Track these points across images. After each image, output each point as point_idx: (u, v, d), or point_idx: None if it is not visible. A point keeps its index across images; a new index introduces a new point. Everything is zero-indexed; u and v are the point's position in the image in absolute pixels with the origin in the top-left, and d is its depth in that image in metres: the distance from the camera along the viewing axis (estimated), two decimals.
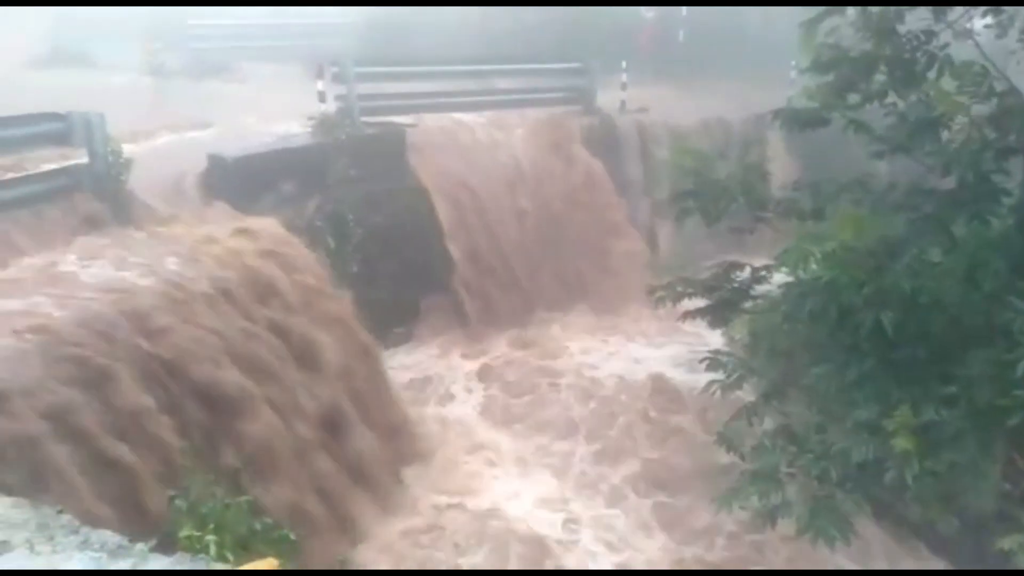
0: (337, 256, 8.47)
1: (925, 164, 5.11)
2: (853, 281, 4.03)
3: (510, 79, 11.91)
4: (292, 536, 4.31)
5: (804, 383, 4.85)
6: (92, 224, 6.33)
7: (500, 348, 9.64)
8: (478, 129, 10.74)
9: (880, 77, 5.26)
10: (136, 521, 4.11)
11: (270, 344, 5.91)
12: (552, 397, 8.64)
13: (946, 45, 5.09)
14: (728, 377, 5.34)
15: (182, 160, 8.13)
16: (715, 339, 7.89)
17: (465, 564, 6.08)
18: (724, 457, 5.68)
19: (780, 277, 5.13)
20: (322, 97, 9.50)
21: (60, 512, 1.38)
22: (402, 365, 8.98)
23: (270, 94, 12.72)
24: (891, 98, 5.30)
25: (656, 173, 11.58)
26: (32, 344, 4.30)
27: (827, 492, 4.51)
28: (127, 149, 7.13)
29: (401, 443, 7.36)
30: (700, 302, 5.96)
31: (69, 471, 3.96)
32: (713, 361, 5.54)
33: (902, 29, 5.14)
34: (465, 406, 8.55)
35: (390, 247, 9.26)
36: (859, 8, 5.13)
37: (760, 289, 5.65)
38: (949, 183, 4.95)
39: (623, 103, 12.58)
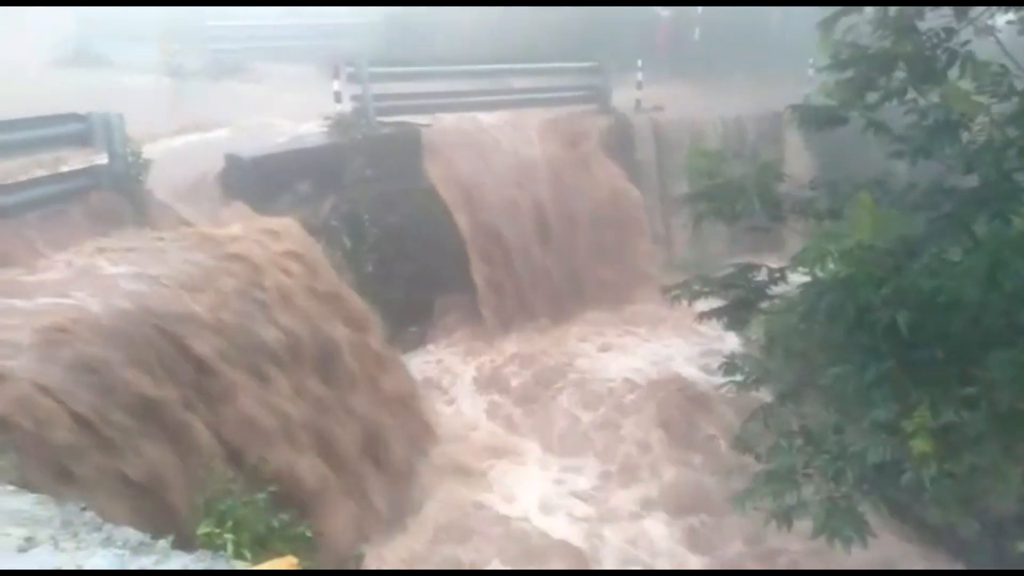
0: (353, 256, 8.52)
1: (945, 164, 5.05)
2: (871, 279, 3.99)
3: (525, 78, 11.92)
4: (309, 533, 4.35)
5: (821, 384, 4.81)
6: (112, 224, 6.40)
7: (515, 348, 9.65)
8: (493, 129, 10.76)
9: (899, 75, 5.20)
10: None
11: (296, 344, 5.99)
12: (567, 398, 8.62)
13: (967, 42, 5.03)
14: (745, 379, 5.31)
15: (200, 160, 8.21)
16: (732, 338, 7.86)
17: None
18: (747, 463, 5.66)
19: (797, 278, 5.10)
20: (338, 97, 9.56)
21: (84, 509, 1.40)
22: (416, 365, 9.01)
23: (287, 94, 12.81)
24: (911, 95, 5.24)
25: (671, 172, 11.54)
26: (57, 343, 4.35)
27: (843, 493, 4.47)
28: (146, 149, 7.20)
29: (415, 441, 7.39)
30: (716, 302, 5.93)
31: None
32: (730, 364, 5.51)
33: (922, 26, 5.08)
34: (479, 407, 8.56)
35: (405, 247, 9.30)
36: (877, 6, 5.08)
37: (776, 290, 5.61)
38: (970, 181, 4.89)
39: (638, 102, 12.54)
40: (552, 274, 10.64)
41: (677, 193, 11.09)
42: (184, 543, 1.41)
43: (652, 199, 11.96)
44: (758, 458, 5.32)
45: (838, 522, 4.34)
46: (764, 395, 5.62)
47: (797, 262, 4.54)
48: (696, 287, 5.74)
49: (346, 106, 9.53)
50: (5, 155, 6.09)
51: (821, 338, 4.61)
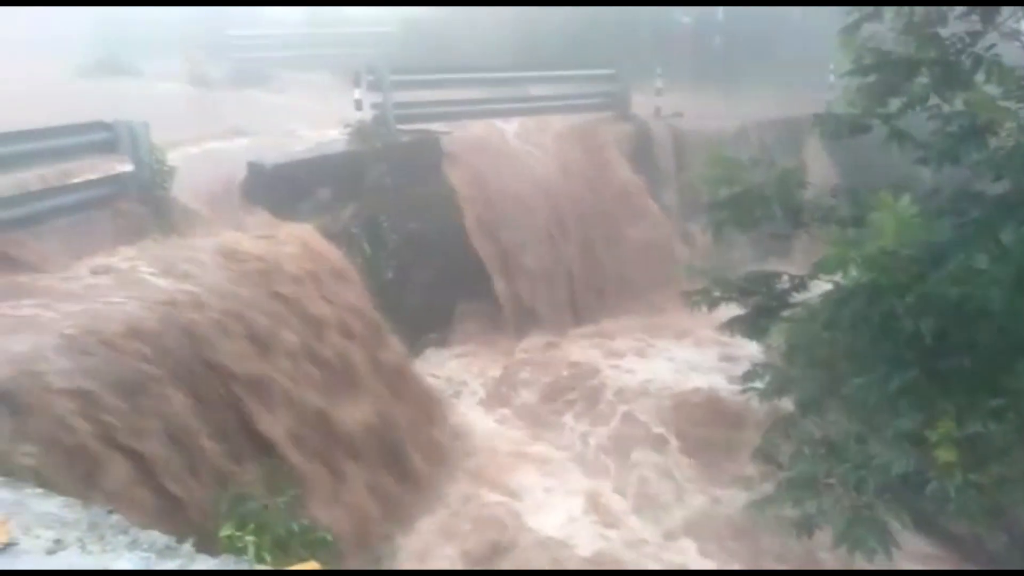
0: (372, 262, 8.57)
1: (972, 170, 4.98)
2: (895, 285, 3.94)
3: (544, 86, 11.95)
4: (329, 538, 4.37)
5: (844, 393, 4.75)
6: (137, 231, 6.50)
7: (535, 355, 9.64)
8: (512, 136, 10.79)
9: (922, 80, 5.14)
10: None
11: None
12: (588, 407, 8.58)
13: (992, 46, 4.96)
14: (766, 388, 5.26)
15: (223, 168, 8.32)
16: (753, 346, 7.78)
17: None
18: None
19: (818, 286, 5.05)
20: (359, 105, 9.64)
21: (110, 512, 1.42)
22: (435, 370, 9.02)
23: (308, 103, 12.94)
24: (933, 100, 5.18)
25: (691, 179, 11.49)
26: (84, 349, 4.42)
27: (865, 502, 4.41)
28: (170, 157, 7.31)
29: (434, 448, 7.41)
30: (736, 309, 5.88)
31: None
32: (751, 372, 5.46)
33: (945, 32, 5.02)
34: (497, 413, 8.55)
35: (425, 253, 9.34)
36: (899, 11, 5.03)
37: (798, 297, 5.55)
38: (997, 187, 4.82)
39: (658, 109, 12.52)
40: (571, 281, 10.63)
41: (696, 200, 11.09)
42: (204, 546, 1.42)
43: (671, 206, 11.92)
44: (780, 467, 5.27)
45: (860, 532, 4.28)
46: (786, 404, 5.56)
47: (819, 269, 4.49)
48: (716, 293, 5.70)
49: (366, 114, 9.61)
50: (35, 163, 6.21)
51: (844, 347, 4.56)
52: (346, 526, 5.38)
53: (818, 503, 4.60)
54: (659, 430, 8.05)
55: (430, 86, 10.59)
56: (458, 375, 9.16)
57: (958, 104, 5.04)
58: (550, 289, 10.39)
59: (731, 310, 5.85)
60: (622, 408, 8.49)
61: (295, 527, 4.24)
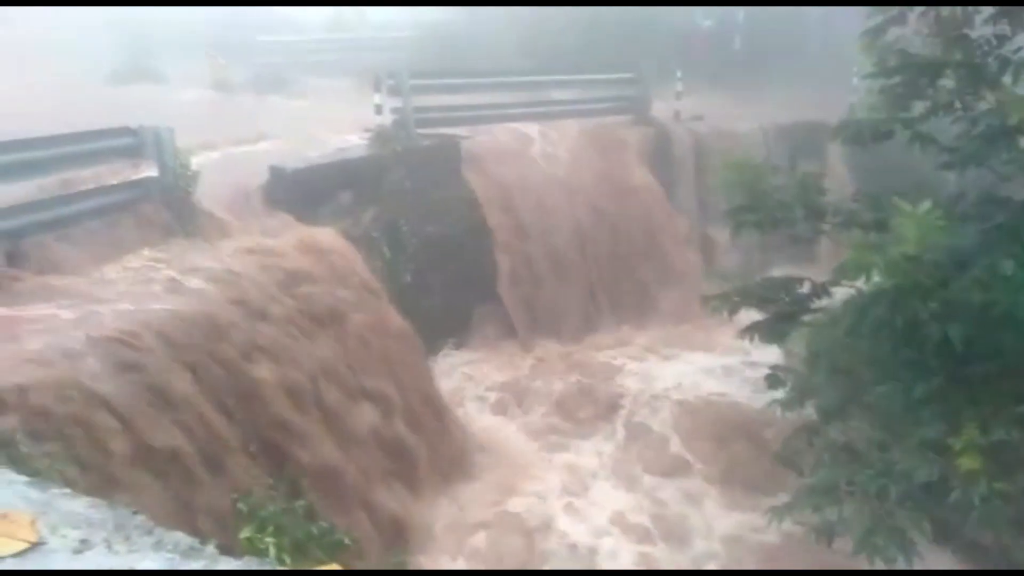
0: (392, 265, 8.62)
1: (999, 173, 4.92)
2: (918, 290, 3.90)
3: (563, 90, 11.95)
4: (348, 541, 4.39)
5: (866, 400, 4.71)
6: (162, 234, 6.59)
7: (552, 360, 9.63)
8: (532, 140, 10.80)
9: (947, 83, 5.08)
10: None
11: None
12: (605, 413, 8.55)
13: (1020, 48, 4.90)
14: (788, 396, 5.22)
15: (245, 172, 8.40)
16: (773, 352, 7.72)
17: None
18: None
19: (840, 291, 5.00)
20: (379, 110, 9.71)
21: (135, 513, 1.44)
22: (451, 374, 9.04)
23: (329, 107, 13.04)
24: (957, 104, 5.12)
25: (711, 183, 11.43)
26: (111, 352, 4.49)
27: (886, 510, 4.36)
28: (194, 161, 7.40)
29: (450, 454, 7.42)
30: (755, 314, 5.85)
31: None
32: (773, 377, 5.42)
33: (971, 34, 4.97)
34: (513, 420, 8.55)
35: (443, 257, 9.37)
36: (925, 12, 4.98)
37: (819, 303, 5.50)
38: (1023, 192, 4.75)
39: (678, 112, 12.47)
40: (589, 286, 10.61)
41: (716, 204, 11.03)
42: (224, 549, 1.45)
43: (691, 210, 11.86)
44: (800, 473, 5.23)
45: (880, 539, 4.23)
46: (808, 411, 5.51)
47: (840, 274, 4.46)
48: (736, 299, 5.67)
49: (387, 118, 9.67)
50: (62, 167, 6.32)
51: (867, 353, 4.52)
52: (359, 533, 5.39)
53: (839, 510, 4.56)
54: (676, 438, 8.00)
55: (450, 91, 10.64)
56: (474, 379, 9.17)
57: (984, 106, 4.99)
58: (568, 294, 10.38)
59: (751, 316, 5.82)
60: (639, 416, 8.45)
61: (314, 530, 4.28)
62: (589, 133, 11.30)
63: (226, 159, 9.22)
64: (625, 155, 11.26)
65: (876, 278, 4.04)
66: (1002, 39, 4.90)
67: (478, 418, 8.41)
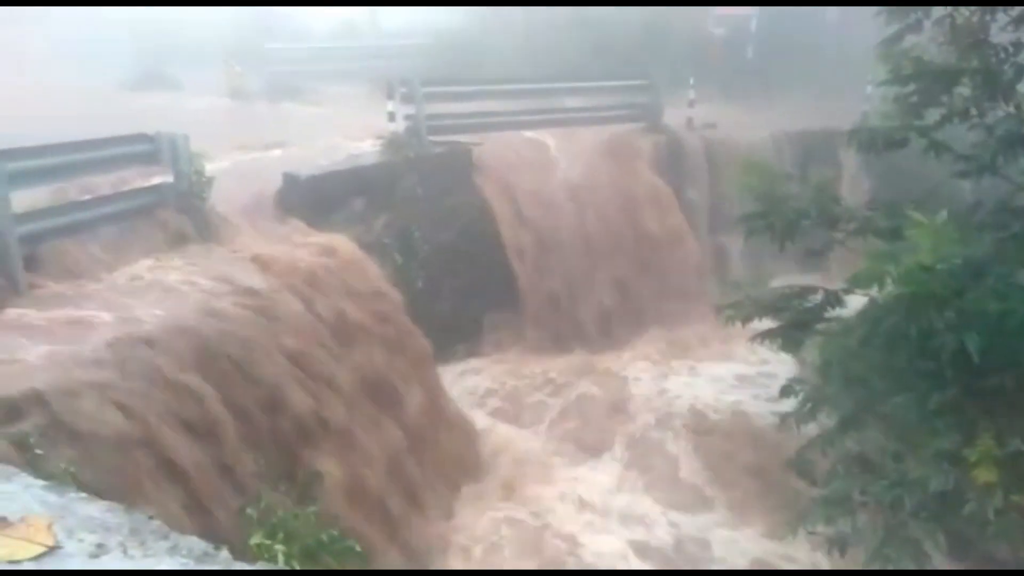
0: (403, 272, 8.64)
1: (1015, 183, 4.88)
2: (933, 299, 3.86)
3: (576, 97, 11.96)
4: (358, 548, 4.39)
5: (881, 411, 4.67)
6: (176, 240, 6.64)
7: (563, 367, 9.60)
8: (543, 147, 10.82)
9: (963, 91, 5.06)
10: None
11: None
12: (615, 422, 8.51)
13: None
14: (801, 406, 5.18)
15: (259, 178, 8.46)
16: (785, 360, 7.67)
17: None
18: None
19: (854, 300, 4.97)
20: (391, 117, 9.76)
21: (151, 518, 1.45)
22: (462, 381, 9.04)
23: (342, 115, 13.13)
24: (973, 112, 5.09)
25: (724, 191, 11.39)
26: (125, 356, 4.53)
27: (900, 521, 4.32)
28: (208, 168, 7.47)
29: (460, 460, 7.42)
30: (769, 323, 5.82)
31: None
32: (786, 388, 5.39)
33: (988, 41, 4.94)
34: (525, 425, 8.53)
35: (455, 264, 9.39)
36: (941, 20, 4.96)
37: (833, 312, 5.47)
38: None
39: (690, 120, 12.45)
40: (600, 293, 10.59)
41: (728, 212, 10.99)
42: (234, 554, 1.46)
43: (703, 218, 11.82)
44: (814, 483, 5.19)
45: (894, 551, 4.19)
46: (822, 421, 5.47)
47: (854, 283, 4.43)
48: (749, 308, 5.65)
49: (399, 126, 9.72)
50: (80, 173, 6.39)
51: (881, 363, 4.47)
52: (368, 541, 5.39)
53: (852, 521, 4.52)
54: (689, 449, 7.95)
55: (462, 98, 10.67)
56: (484, 386, 9.16)
57: (1000, 114, 4.96)
58: (579, 302, 10.36)
59: (764, 325, 5.79)
60: (652, 426, 8.40)
61: (324, 536, 4.28)
62: (601, 140, 11.30)
63: (240, 166, 9.30)
64: (637, 163, 11.25)
65: (889, 287, 4.01)
66: (1018, 46, 4.87)
67: (488, 425, 8.39)
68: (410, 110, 9.70)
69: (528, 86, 11.58)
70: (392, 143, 9.50)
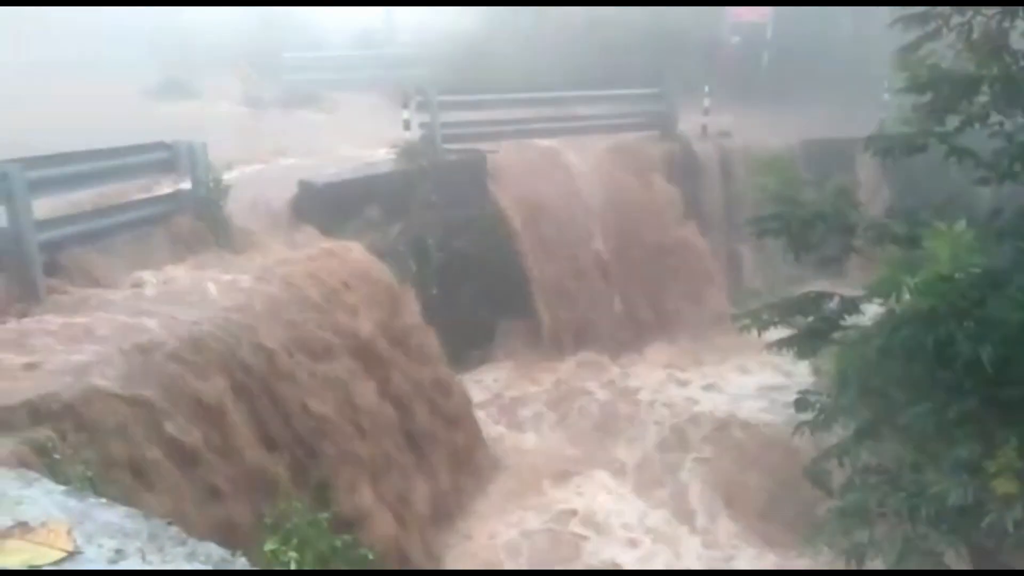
0: (418, 279, 8.67)
1: None
2: (953, 311, 3.82)
3: (590, 105, 11.97)
4: (371, 556, 4.40)
5: (899, 421, 4.61)
6: (193, 246, 6.71)
7: (576, 374, 9.59)
8: (558, 155, 10.83)
9: (983, 98, 5.01)
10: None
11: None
12: (627, 429, 8.48)
13: None
14: (816, 417, 5.13)
15: (274, 186, 8.53)
16: (800, 369, 7.61)
17: None
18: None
19: (871, 308, 4.92)
20: (407, 125, 9.81)
21: (169, 524, 1.47)
22: (476, 388, 9.04)
23: (358, 123, 13.20)
24: (994, 119, 5.04)
25: (738, 199, 11.35)
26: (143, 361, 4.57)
27: (919, 533, 4.26)
28: (225, 175, 7.53)
29: (473, 465, 7.42)
30: (785, 331, 5.78)
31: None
32: (802, 400, 5.35)
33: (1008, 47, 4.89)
34: (537, 433, 8.52)
35: (469, 271, 9.41)
36: (960, 28, 4.92)
37: (850, 320, 5.42)
38: None
39: (705, 128, 12.42)
40: (614, 301, 10.56)
41: (744, 219, 10.90)
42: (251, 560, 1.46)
43: (718, 226, 11.77)
44: (830, 494, 5.14)
45: (912, 562, 4.14)
46: (837, 432, 5.42)
47: (871, 293, 4.39)
48: (765, 316, 5.61)
49: (414, 134, 9.77)
50: (100, 181, 6.47)
51: (899, 373, 4.43)
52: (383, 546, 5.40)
53: (870, 533, 4.47)
54: (704, 459, 7.90)
55: (477, 107, 10.71)
56: (497, 393, 9.15)
57: (1020, 120, 4.91)
58: (594, 310, 10.34)
59: (780, 333, 5.75)
60: (666, 434, 8.36)
61: (338, 543, 4.28)
62: (615, 149, 11.29)
63: (257, 173, 9.38)
64: (651, 171, 11.23)
65: (907, 298, 3.97)
66: None
67: (501, 432, 8.39)
68: (425, 118, 9.75)
69: (542, 95, 11.60)
70: (407, 151, 9.55)
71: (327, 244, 7.33)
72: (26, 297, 5.23)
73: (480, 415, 8.33)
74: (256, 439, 4.94)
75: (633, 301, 10.72)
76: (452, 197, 9.47)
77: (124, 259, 6.19)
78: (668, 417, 8.67)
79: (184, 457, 4.41)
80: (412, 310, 7.41)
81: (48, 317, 4.97)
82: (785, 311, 5.58)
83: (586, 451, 8.16)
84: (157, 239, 6.65)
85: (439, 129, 9.75)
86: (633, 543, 6.75)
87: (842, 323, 5.43)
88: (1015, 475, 3.71)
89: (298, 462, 5.29)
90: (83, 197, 6.63)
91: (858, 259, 5.52)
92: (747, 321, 5.66)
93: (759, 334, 5.64)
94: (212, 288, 5.71)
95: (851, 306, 5.44)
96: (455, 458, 7.17)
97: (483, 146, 10.25)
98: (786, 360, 6.90)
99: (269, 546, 4.03)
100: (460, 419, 7.58)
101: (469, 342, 9.33)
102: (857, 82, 12.84)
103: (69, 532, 1.46)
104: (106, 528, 1.45)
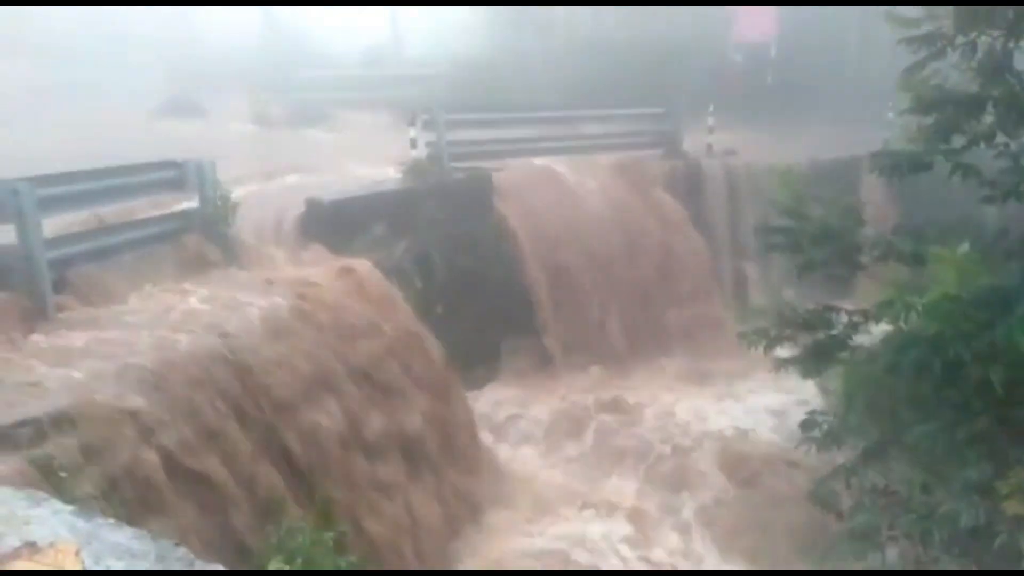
0: (423, 296, 8.67)
1: None
2: (960, 334, 3.81)
3: (595, 124, 12.05)
4: None
5: (907, 441, 4.58)
6: (201, 264, 6.73)
7: (581, 393, 9.53)
8: (563, 174, 10.87)
9: (988, 118, 5.02)
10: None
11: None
12: (634, 450, 8.41)
13: None
14: (823, 437, 5.10)
15: (283, 204, 8.58)
16: (806, 388, 7.57)
17: None
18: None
19: (878, 326, 4.91)
20: (414, 143, 9.88)
21: (177, 545, 1.47)
22: (481, 406, 9.00)
23: (365, 141, 13.31)
24: (999, 139, 5.05)
25: (743, 217, 11.37)
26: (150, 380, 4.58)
27: (932, 556, 4.21)
28: (233, 193, 7.58)
29: (479, 484, 7.37)
30: (791, 349, 5.76)
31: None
32: (809, 420, 5.31)
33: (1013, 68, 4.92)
34: (542, 452, 8.46)
35: (474, 288, 9.42)
36: (965, 48, 4.95)
37: (857, 338, 5.40)
38: None
39: (709, 146, 12.48)
40: (619, 319, 10.55)
41: (749, 238, 10.95)
42: None
43: (722, 244, 11.78)
44: (838, 517, 5.09)
45: None
46: (844, 452, 5.38)
47: (879, 313, 4.38)
48: (772, 332, 5.59)
49: (421, 152, 9.84)
50: (109, 199, 6.52)
51: (907, 392, 4.41)
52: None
53: (881, 556, 4.42)
54: (710, 478, 7.84)
55: (483, 125, 10.80)
56: (502, 412, 9.11)
57: None
58: (599, 328, 10.32)
59: (785, 351, 5.73)
60: (673, 454, 8.29)
61: (343, 563, 4.26)
62: (621, 167, 11.33)
63: (264, 191, 9.43)
64: (656, 189, 11.27)
65: (915, 319, 3.96)
66: None
67: (505, 452, 8.34)
68: (432, 137, 9.83)
69: (548, 114, 11.69)
70: (414, 169, 9.61)
71: (340, 263, 7.34)
72: (35, 314, 5.25)
73: (484, 433, 8.29)
74: (262, 458, 4.92)
75: (639, 319, 10.70)
76: (458, 215, 9.51)
77: (133, 276, 6.22)
78: (676, 436, 8.60)
79: (189, 476, 4.40)
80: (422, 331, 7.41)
81: (57, 333, 4.99)
82: (794, 325, 5.56)
83: (592, 473, 8.10)
84: (166, 257, 6.68)
85: (445, 147, 9.82)
86: (638, 564, 6.67)
87: (849, 342, 5.41)
88: None
89: (303, 481, 5.27)
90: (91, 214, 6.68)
91: (864, 279, 5.51)
92: (754, 338, 5.64)
93: (765, 352, 5.62)
94: (218, 306, 5.72)
95: (859, 320, 5.40)
96: (459, 478, 7.13)
97: (488, 164, 10.31)
98: (796, 381, 6.86)
99: (273, 565, 4.01)
100: (465, 440, 7.54)
101: (474, 360, 9.31)
102: (861, 101, 12.90)
103: (77, 553, 1.46)
104: (114, 549, 1.45)
